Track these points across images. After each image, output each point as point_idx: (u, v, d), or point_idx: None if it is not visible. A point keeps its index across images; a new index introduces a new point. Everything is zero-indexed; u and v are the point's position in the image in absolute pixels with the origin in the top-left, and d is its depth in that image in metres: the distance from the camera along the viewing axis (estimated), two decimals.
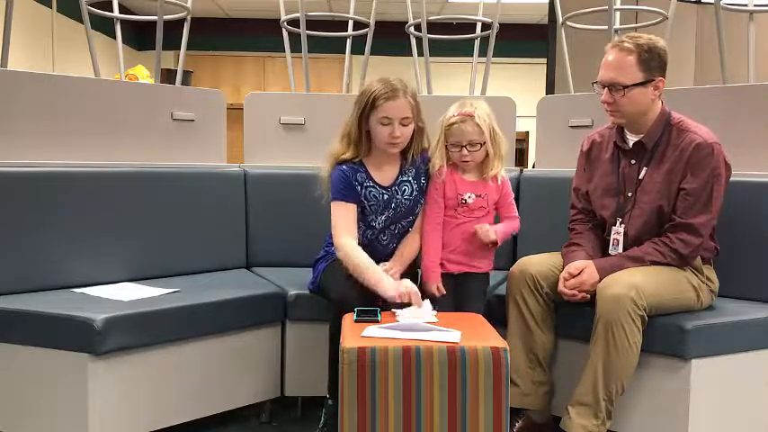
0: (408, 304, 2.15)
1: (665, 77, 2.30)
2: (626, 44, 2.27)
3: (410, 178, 2.46)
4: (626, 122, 2.35)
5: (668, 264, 2.25)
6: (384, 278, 2.23)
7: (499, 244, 2.42)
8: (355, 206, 2.40)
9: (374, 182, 2.42)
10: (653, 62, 2.26)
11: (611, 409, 2.15)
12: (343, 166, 2.41)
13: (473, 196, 2.40)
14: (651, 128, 2.33)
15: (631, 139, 2.38)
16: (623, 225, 2.35)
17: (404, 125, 2.35)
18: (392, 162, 2.46)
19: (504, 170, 2.44)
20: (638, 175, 2.34)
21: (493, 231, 2.37)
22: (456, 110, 2.39)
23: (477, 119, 2.35)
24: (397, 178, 2.45)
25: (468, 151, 2.36)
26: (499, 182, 2.43)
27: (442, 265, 2.42)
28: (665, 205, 2.28)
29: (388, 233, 2.48)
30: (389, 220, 2.45)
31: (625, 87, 2.26)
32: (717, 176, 2.24)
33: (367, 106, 2.35)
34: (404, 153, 2.45)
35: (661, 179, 2.30)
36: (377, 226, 2.45)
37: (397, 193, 2.44)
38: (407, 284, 2.19)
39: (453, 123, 2.37)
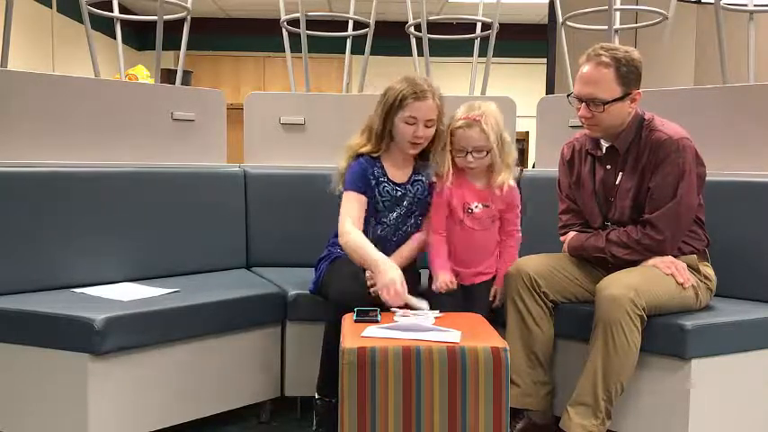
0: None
1: (640, 89, 2.28)
2: (603, 58, 2.22)
3: (422, 178, 2.48)
4: (603, 135, 2.34)
5: (633, 253, 2.25)
6: (380, 262, 2.17)
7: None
8: (366, 199, 2.40)
9: (388, 178, 2.44)
10: (631, 75, 2.23)
11: (611, 408, 2.15)
12: (361, 159, 2.43)
13: (480, 206, 2.36)
14: (623, 132, 2.31)
15: (604, 144, 2.37)
16: (613, 227, 2.35)
17: (428, 126, 2.36)
18: (408, 161, 2.49)
19: (512, 179, 2.39)
20: (615, 180, 2.34)
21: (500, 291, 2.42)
22: (463, 113, 2.34)
23: (485, 124, 2.29)
24: (411, 177, 2.48)
25: (474, 158, 2.32)
26: (504, 191, 2.37)
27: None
28: (644, 206, 2.28)
29: (399, 234, 2.49)
30: (400, 217, 2.46)
31: (605, 103, 2.23)
32: (683, 172, 2.21)
33: (395, 104, 2.35)
34: (420, 153, 2.46)
35: (635, 181, 2.30)
36: (388, 222, 2.46)
37: (410, 192, 2.46)
38: (400, 287, 2.12)
39: (459, 128, 2.32)
